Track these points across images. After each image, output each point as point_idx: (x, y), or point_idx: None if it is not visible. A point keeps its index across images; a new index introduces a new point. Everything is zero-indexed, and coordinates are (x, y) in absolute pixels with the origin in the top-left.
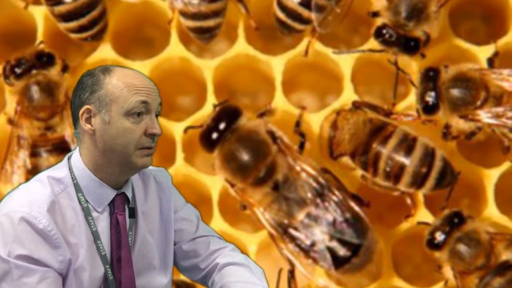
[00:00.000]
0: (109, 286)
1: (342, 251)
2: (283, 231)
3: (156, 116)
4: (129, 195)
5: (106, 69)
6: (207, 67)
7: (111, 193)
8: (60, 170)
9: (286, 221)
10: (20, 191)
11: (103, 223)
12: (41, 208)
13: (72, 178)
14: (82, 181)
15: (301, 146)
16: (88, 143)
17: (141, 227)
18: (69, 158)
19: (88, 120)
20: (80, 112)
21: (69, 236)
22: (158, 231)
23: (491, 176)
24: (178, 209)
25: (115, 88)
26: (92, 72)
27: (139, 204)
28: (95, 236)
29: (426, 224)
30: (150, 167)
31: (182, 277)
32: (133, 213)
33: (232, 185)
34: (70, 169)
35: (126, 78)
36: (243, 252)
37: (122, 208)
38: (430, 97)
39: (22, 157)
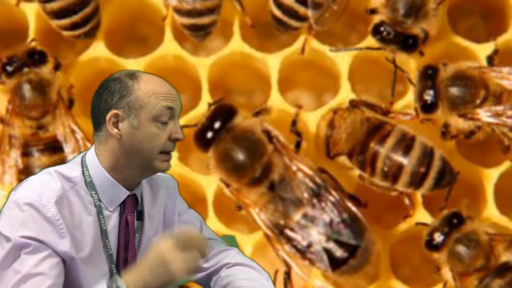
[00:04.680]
0: None
1: (339, 252)
2: (279, 232)
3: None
4: (139, 198)
5: (132, 74)
6: (202, 65)
7: (123, 194)
8: (72, 169)
9: (282, 222)
10: (30, 182)
11: (112, 223)
12: (50, 198)
13: (86, 176)
14: (96, 180)
15: (298, 145)
16: (111, 146)
17: (146, 230)
18: (82, 157)
19: (116, 124)
20: (108, 117)
21: (75, 232)
22: (162, 233)
23: (490, 176)
24: (181, 213)
25: (145, 94)
26: (119, 77)
27: (146, 207)
28: (104, 234)
29: (425, 224)
30: (158, 174)
31: None
32: (140, 216)
33: (227, 185)
34: (84, 168)
35: (154, 85)
36: None
37: (132, 209)
38: (428, 96)
39: (14, 157)
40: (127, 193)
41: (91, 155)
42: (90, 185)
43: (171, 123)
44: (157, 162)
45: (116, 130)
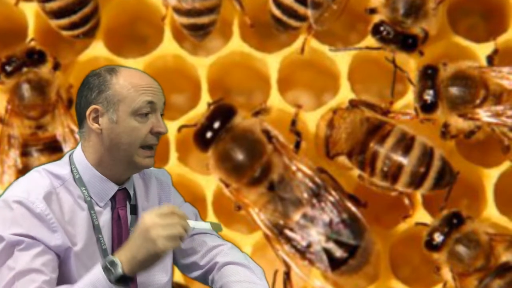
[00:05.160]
0: None
1: (338, 253)
2: (279, 232)
3: (161, 115)
4: (131, 192)
5: (112, 69)
6: (201, 65)
7: (113, 188)
8: (61, 167)
9: (281, 222)
10: (18, 181)
11: (104, 218)
12: (39, 195)
13: (74, 173)
14: (84, 176)
15: (297, 145)
16: (94, 142)
17: None
18: (70, 156)
19: (96, 120)
20: (88, 112)
21: (66, 226)
22: None
23: (490, 176)
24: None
25: (122, 88)
26: (98, 73)
27: (140, 201)
28: (97, 229)
29: (425, 225)
30: (151, 168)
31: (176, 279)
32: (134, 210)
33: (227, 185)
34: (71, 165)
35: (133, 78)
36: None
37: (124, 203)
38: (428, 96)
39: (13, 157)
40: (116, 188)
41: (78, 153)
42: (79, 181)
43: (152, 117)
44: (137, 158)
45: (96, 125)
